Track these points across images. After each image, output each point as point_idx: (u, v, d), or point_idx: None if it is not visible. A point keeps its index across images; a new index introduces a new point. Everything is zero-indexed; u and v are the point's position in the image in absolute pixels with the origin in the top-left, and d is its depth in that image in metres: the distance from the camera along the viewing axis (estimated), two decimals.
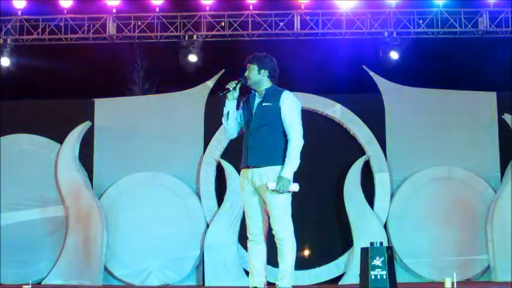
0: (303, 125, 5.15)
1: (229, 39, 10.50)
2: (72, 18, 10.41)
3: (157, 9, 10.39)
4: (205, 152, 10.17)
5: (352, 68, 10.52)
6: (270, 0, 10.51)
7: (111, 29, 10.42)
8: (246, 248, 5.34)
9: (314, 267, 9.93)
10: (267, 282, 5.19)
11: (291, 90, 5.26)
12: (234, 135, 5.41)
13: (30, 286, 7.71)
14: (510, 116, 10.08)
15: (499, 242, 9.62)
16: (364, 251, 6.44)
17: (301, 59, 10.49)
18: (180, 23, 10.44)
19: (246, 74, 5.22)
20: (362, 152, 10.14)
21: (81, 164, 10.17)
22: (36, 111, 10.46)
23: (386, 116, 10.28)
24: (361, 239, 9.32)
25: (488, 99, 10.24)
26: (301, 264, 8.33)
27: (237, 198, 9.53)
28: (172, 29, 10.43)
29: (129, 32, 10.45)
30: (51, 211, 10.05)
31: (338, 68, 10.39)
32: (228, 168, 9.98)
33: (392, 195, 10.04)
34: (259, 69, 5.19)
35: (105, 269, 9.85)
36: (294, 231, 5.08)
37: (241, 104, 5.34)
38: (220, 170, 10.12)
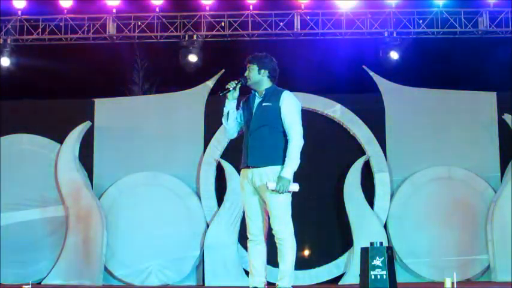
0: (303, 125, 5.15)
1: (229, 39, 10.50)
2: (72, 18, 10.41)
3: (157, 9, 10.39)
4: (205, 152, 10.17)
5: (352, 68, 10.52)
6: (270, 0, 10.51)
7: (111, 29, 10.43)
8: (246, 248, 5.34)
9: (314, 267, 9.93)
10: (267, 282, 5.19)
11: (291, 90, 5.26)
12: (234, 135, 5.41)
13: (30, 286, 7.71)
14: (510, 116, 10.08)
15: (499, 242, 9.62)
16: (364, 251, 6.44)
17: (301, 59, 10.49)
18: (180, 23, 10.44)
19: (246, 74, 5.22)
20: (362, 152, 10.14)
21: (81, 164, 10.17)
22: (36, 111, 10.46)
23: (386, 116, 10.28)
24: (361, 239, 9.32)
25: (488, 99, 10.24)
26: (301, 264, 8.34)
27: (237, 198, 9.53)
28: (172, 29, 10.43)
29: (129, 32, 10.45)
30: (51, 211, 10.05)
31: (338, 68, 10.39)
32: (228, 168, 9.98)
33: (392, 195, 10.04)
34: (259, 69, 5.19)
35: (105, 269, 9.85)
36: (294, 231, 5.08)
37: (241, 104, 5.34)
38: (220, 170, 10.12)
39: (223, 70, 10.32)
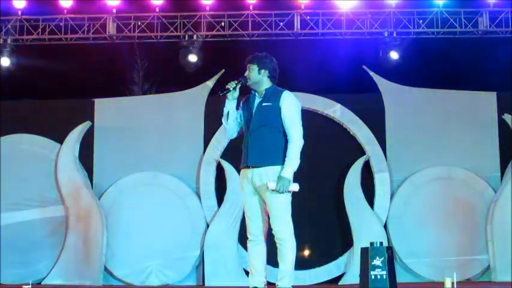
0: (303, 125, 5.15)
1: (229, 39, 10.50)
2: (72, 18, 10.41)
3: (157, 9, 10.39)
4: (205, 152, 10.17)
5: (352, 68, 10.53)
6: (270, 0, 10.51)
7: (111, 29, 10.43)
8: (246, 248, 5.34)
9: (314, 267, 9.94)
10: (267, 282, 5.19)
11: (291, 90, 5.26)
12: (234, 135, 5.40)
13: (30, 286, 7.71)
14: (510, 116, 10.09)
15: (499, 242, 9.62)
16: (364, 251, 6.44)
17: (301, 59, 10.50)
18: (180, 23, 10.44)
19: (246, 74, 5.22)
20: (362, 152, 10.14)
21: (81, 164, 10.17)
22: (36, 111, 10.47)
23: (386, 116, 10.28)
24: (361, 239, 9.32)
25: (488, 99, 10.24)
26: (301, 264, 8.34)
27: (237, 198, 9.53)
28: (172, 29, 10.43)
29: (129, 32, 10.45)
30: (51, 211, 10.05)
31: (338, 68, 10.40)
32: (228, 168, 9.98)
33: (392, 195, 10.04)
34: (259, 69, 5.19)
35: (105, 269, 9.85)
36: (294, 231, 5.08)
37: (241, 104, 5.34)
38: (220, 170, 10.12)
39: (223, 70, 10.32)
